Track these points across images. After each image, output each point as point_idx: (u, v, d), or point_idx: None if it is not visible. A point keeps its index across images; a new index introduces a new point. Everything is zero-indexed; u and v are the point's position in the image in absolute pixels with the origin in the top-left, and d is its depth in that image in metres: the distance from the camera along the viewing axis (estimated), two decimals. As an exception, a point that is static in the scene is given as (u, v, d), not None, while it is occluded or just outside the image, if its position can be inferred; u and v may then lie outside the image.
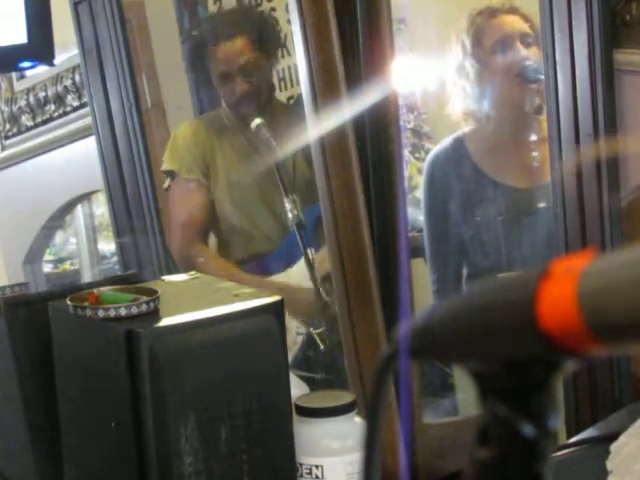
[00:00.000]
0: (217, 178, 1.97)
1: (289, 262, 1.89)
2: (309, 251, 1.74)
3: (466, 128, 1.93)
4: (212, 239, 2.05)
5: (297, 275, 1.86)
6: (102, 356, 1.02)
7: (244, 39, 1.93)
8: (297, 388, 1.24)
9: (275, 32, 1.95)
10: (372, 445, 0.54)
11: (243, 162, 1.98)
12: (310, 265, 1.75)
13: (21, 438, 1.15)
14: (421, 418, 1.43)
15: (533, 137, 1.91)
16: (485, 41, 1.87)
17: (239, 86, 1.93)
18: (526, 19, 1.86)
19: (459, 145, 1.93)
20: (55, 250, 2.88)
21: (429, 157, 2.00)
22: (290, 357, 1.34)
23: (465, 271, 1.94)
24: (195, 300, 1.12)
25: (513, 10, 1.89)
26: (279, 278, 1.92)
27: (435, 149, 2.00)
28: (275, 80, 2.03)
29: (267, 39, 1.96)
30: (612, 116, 1.44)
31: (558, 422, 0.48)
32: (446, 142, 1.95)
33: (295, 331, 1.85)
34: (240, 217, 1.99)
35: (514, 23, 1.88)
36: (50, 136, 2.40)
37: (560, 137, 1.47)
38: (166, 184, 1.99)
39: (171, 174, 1.98)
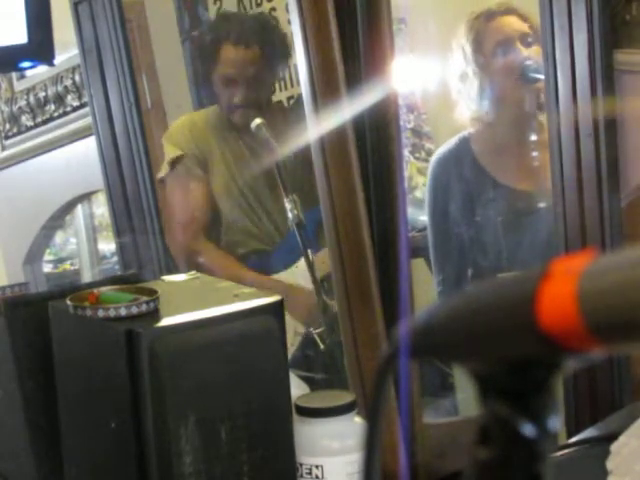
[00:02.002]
0: (215, 173, 1.97)
1: (289, 262, 1.89)
2: (309, 252, 1.74)
3: (472, 129, 1.92)
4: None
5: (297, 275, 1.86)
6: (102, 356, 1.02)
7: (257, 51, 1.93)
8: (297, 388, 1.24)
9: (285, 46, 1.94)
10: (372, 445, 0.54)
11: (240, 161, 1.98)
12: (310, 265, 1.75)
13: (21, 438, 1.15)
14: (421, 418, 1.43)
15: (537, 138, 1.90)
16: (485, 45, 1.86)
17: (239, 94, 1.93)
18: (524, 19, 1.85)
19: (464, 146, 1.92)
20: (55, 250, 2.88)
21: (434, 158, 1.99)
22: (290, 357, 1.34)
23: (470, 272, 1.93)
24: (195, 300, 1.12)
25: (511, 11, 1.88)
26: (279, 277, 1.92)
27: (440, 149, 1.99)
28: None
29: (277, 53, 1.96)
30: (612, 116, 1.44)
31: (558, 422, 0.48)
32: (451, 143, 1.94)
33: (294, 331, 1.85)
34: (238, 214, 1.99)
35: (513, 24, 1.87)
36: (50, 136, 2.40)
37: (560, 137, 1.47)
38: (162, 173, 1.97)
39: (177, 160, 1.97)
